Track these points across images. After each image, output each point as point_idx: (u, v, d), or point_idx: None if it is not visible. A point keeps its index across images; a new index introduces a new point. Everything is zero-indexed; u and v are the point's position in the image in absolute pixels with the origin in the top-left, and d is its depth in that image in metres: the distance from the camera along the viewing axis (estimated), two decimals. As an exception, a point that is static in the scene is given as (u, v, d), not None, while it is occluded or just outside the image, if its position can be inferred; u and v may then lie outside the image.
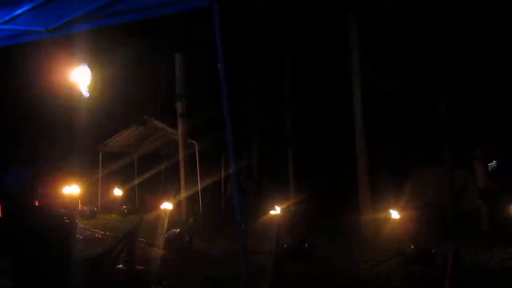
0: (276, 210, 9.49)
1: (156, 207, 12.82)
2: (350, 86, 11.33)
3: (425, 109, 13.92)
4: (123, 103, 15.91)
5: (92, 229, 12.09)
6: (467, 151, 14.32)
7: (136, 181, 18.06)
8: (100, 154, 16.95)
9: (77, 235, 10.47)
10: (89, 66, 4.59)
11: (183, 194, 14.13)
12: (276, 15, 12.52)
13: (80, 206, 14.38)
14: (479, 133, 15.72)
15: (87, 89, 4.53)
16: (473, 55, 15.09)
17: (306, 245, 8.68)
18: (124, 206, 15.59)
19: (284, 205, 14.03)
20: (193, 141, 14.89)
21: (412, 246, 8.07)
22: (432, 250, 8.03)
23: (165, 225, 9.92)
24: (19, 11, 4.27)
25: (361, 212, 11.11)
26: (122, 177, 17.94)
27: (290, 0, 14.68)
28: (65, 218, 4.67)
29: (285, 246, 8.47)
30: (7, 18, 4.43)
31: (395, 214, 9.09)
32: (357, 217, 11.25)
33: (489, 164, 15.02)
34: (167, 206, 10.21)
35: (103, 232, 11.83)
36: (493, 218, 11.34)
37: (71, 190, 13.06)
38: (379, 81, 12.21)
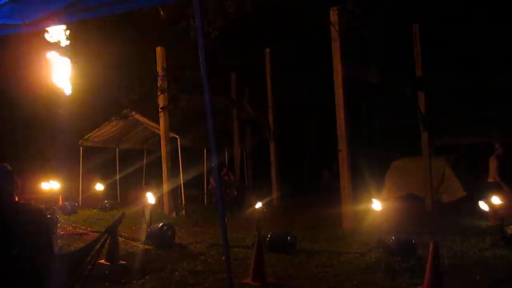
0: (259, 204, 9.50)
1: (138, 201, 12.80)
2: (332, 80, 11.35)
3: (406, 101, 14.04)
4: (104, 97, 15.75)
5: (73, 224, 12.02)
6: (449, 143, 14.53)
7: (118, 176, 17.97)
8: (81, 148, 16.82)
9: (58, 231, 10.45)
10: (69, 60, 4.51)
11: (165, 188, 14.09)
12: (258, 10, 12.45)
13: (60, 201, 14.25)
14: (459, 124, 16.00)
15: (69, 85, 4.45)
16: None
17: (288, 238, 8.72)
18: (106, 201, 15.49)
19: (267, 199, 14.09)
20: (175, 135, 14.81)
21: (393, 238, 8.15)
22: (413, 241, 8.13)
23: (148, 219, 9.90)
24: (-6, 4, 4.17)
25: (342, 205, 11.18)
26: (103, 172, 17.84)
27: None
28: (46, 213, 4.61)
29: (267, 239, 8.52)
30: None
31: (376, 206, 9.16)
32: (339, 210, 11.34)
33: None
34: (149, 200, 10.18)
35: (84, 227, 11.76)
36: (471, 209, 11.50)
37: (52, 185, 12.92)
38: (361, 74, 12.25)
